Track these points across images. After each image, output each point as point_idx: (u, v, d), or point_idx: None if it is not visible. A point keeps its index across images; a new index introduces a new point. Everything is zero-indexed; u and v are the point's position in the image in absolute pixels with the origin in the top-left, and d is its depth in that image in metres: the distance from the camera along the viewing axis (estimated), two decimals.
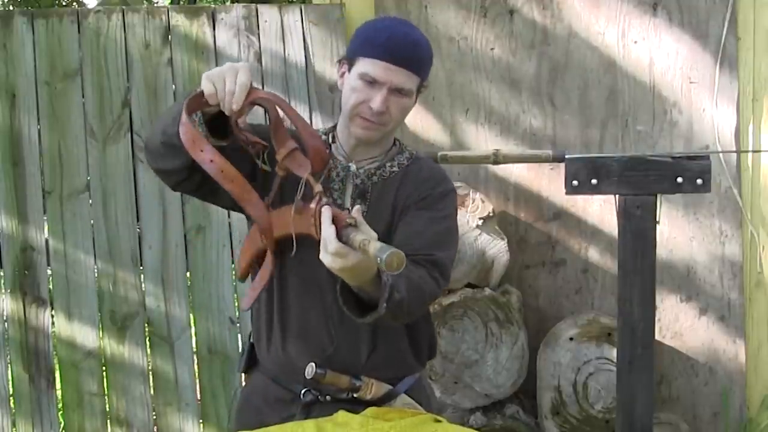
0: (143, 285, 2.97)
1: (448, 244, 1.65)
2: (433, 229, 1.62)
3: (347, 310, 1.45)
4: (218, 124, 1.48)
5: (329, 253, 1.32)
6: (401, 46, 1.57)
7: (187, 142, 1.40)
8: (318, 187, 1.40)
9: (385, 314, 1.42)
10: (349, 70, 1.62)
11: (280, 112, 1.52)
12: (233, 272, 3.01)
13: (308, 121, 1.47)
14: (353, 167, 1.67)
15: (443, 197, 1.68)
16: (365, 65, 1.58)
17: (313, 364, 1.59)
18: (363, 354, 1.65)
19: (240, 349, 2.78)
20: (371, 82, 1.57)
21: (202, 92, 1.40)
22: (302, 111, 2.98)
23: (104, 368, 2.97)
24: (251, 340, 1.78)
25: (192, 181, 1.56)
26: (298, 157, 1.48)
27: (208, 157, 1.39)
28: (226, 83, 1.39)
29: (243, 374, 1.84)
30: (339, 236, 1.32)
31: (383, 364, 1.66)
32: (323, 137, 1.71)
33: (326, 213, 1.34)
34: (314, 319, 1.63)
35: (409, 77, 1.59)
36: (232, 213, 2.77)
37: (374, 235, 1.33)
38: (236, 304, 3.04)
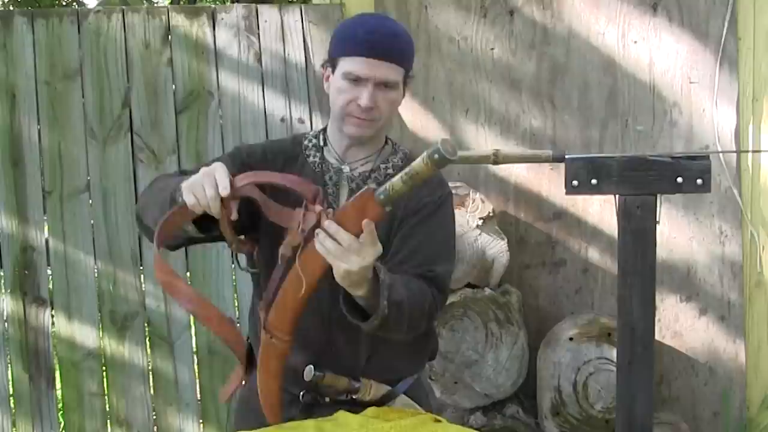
0: (143, 285, 2.97)
1: (447, 254, 1.66)
2: (432, 241, 1.63)
3: (353, 319, 1.46)
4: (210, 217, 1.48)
5: (367, 245, 1.34)
6: (380, 40, 1.57)
7: (155, 264, 1.48)
8: (317, 208, 1.41)
9: (388, 315, 1.42)
10: (333, 71, 1.62)
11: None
12: (233, 272, 3.01)
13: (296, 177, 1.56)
14: (346, 169, 1.67)
15: (441, 204, 1.67)
16: (347, 64, 1.58)
17: (312, 367, 1.59)
18: (362, 357, 1.64)
19: None
20: (356, 80, 1.58)
21: (185, 204, 1.42)
22: (302, 111, 2.99)
23: (104, 368, 2.97)
24: (249, 341, 1.78)
25: (190, 242, 1.62)
26: (298, 216, 1.46)
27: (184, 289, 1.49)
28: (205, 190, 1.39)
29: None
30: (372, 209, 1.33)
31: (382, 367, 1.66)
32: (313, 140, 1.72)
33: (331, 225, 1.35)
34: (312, 326, 1.62)
35: (392, 69, 1.58)
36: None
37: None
38: (236, 304, 3.04)
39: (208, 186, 1.39)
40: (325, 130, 1.74)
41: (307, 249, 1.39)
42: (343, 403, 1.63)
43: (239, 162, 1.66)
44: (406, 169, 1.30)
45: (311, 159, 1.69)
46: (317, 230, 1.36)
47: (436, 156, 1.25)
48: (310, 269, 1.40)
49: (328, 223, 1.35)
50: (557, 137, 3.01)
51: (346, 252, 1.34)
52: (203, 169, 1.43)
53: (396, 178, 1.31)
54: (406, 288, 1.50)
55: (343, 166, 1.67)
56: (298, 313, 1.46)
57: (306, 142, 1.72)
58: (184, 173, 1.66)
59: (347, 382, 1.62)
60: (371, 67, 1.56)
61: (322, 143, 1.71)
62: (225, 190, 1.38)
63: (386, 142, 1.73)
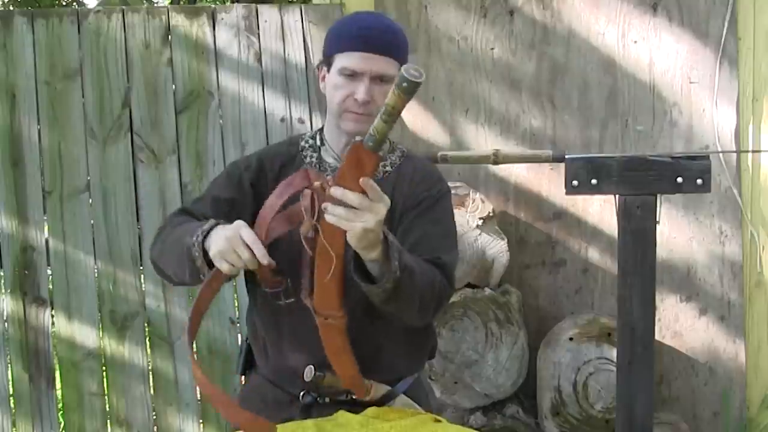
0: (143, 285, 2.97)
1: (450, 246, 1.66)
2: (433, 234, 1.63)
3: (362, 282, 1.44)
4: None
5: (376, 200, 1.33)
6: (374, 34, 1.58)
7: (198, 379, 1.51)
8: (315, 184, 1.41)
9: (401, 279, 1.41)
10: (329, 70, 1.63)
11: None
12: None
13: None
14: None
15: (439, 199, 1.68)
16: (343, 60, 1.59)
17: (312, 367, 1.59)
18: (362, 357, 1.64)
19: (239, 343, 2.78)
20: (351, 75, 1.58)
21: (219, 272, 1.42)
22: (302, 111, 2.99)
23: (104, 368, 2.97)
24: (247, 341, 1.78)
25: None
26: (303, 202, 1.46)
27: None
28: (239, 254, 1.39)
29: (242, 376, 1.84)
30: (367, 159, 1.33)
31: (382, 366, 1.66)
32: (310, 141, 1.72)
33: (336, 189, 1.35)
34: (312, 326, 1.62)
35: (388, 63, 1.59)
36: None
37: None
38: (236, 304, 3.04)
39: (241, 250, 1.39)
40: (321, 130, 1.74)
41: (323, 225, 1.39)
42: (343, 403, 1.64)
43: (237, 178, 1.67)
44: (382, 109, 1.30)
45: (308, 159, 1.69)
46: (323, 205, 1.35)
47: (405, 84, 1.25)
48: (334, 242, 1.40)
49: (333, 190, 1.34)
50: (557, 137, 3.01)
51: (359, 212, 1.32)
52: (225, 234, 1.41)
53: (377, 120, 1.31)
54: (416, 263, 1.50)
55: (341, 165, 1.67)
56: (340, 287, 1.46)
57: (302, 143, 1.73)
58: (185, 211, 1.66)
59: None
60: (367, 61, 1.57)
61: (319, 143, 1.71)
62: (265, 258, 1.39)
63: None
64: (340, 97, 1.61)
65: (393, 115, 1.30)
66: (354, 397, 1.63)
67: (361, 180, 1.32)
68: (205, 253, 1.45)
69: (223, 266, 1.40)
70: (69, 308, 2.92)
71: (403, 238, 1.61)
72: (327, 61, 1.64)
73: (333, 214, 1.34)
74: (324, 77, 1.66)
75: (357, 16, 1.67)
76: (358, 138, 1.34)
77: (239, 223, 1.42)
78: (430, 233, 1.62)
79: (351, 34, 1.59)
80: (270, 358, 1.69)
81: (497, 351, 2.76)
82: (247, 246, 1.38)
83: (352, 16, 1.68)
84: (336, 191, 1.33)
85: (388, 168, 1.69)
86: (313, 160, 1.69)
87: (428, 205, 1.66)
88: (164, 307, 2.95)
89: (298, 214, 1.46)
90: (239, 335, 2.98)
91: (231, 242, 1.39)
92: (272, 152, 1.73)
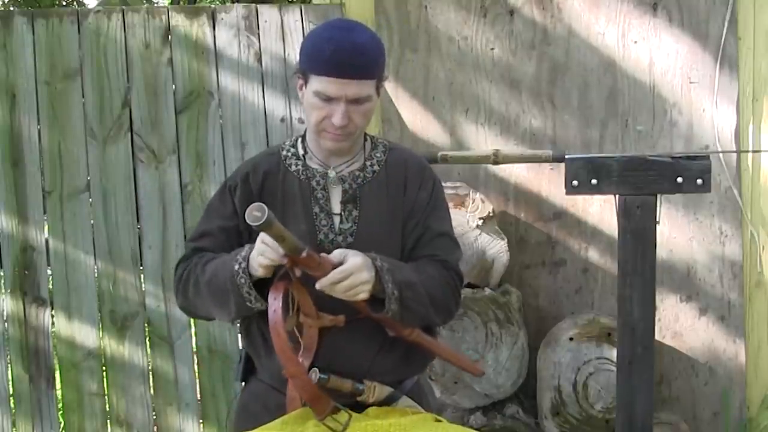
0: (143, 285, 2.97)
1: (452, 242, 1.74)
2: (436, 233, 1.70)
3: (377, 313, 1.57)
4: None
5: (356, 281, 1.50)
6: (348, 58, 1.54)
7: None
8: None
9: (402, 296, 1.54)
10: (305, 83, 1.61)
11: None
12: None
13: None
14: (332, 173, 1.68)
15: (434, 192, 1.73)
16: (317, 83, 1.57)
17: (317, 370, 1.59)
18: (366, 360, 1.64)
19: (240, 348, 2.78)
20: (327, 99, 1.57)
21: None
22: (302, 111, 2.98)
23: (104, 368, 2.97)
24: (246, 352, 1.78)
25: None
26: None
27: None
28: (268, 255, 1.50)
29: (242, 383, 1.83)
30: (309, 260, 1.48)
31: (386, 369, 1.67)
32: (291, 149, 1.73)
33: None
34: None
35: (362, 85, 1.57)
36: None
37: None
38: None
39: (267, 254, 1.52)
40: (303, 138, 1.74)
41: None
42: (347, 405, 1.63)
43: (231, 204, 1.70)
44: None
45: (293, 168, 1.70)
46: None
47: (256, 227, 1.37)
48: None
49: (319, 286, 1.51)
50: (557, 137, 3.01)
51: (351, 284, 1.50)
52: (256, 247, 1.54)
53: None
54: (417, 271, 1.58)
55: (329, 171, 1.69)
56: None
57: (284, 153, 1.73)
58: (199, 249, 1.72)
59: (351, 385, 1.62)
60: (341, 87, 1.55)
61: (302, 151, 1.72)
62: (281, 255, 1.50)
63: (365, 138, 1.74)
64: (317, 118, 1.60)
65: (280, 240, 1.42)
66: (358, 399, 1.63)
67: (318, 284, 1.49)
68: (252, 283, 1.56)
69: (263, 261, 1.51)
70: (69, 308, 2.92)
71: (409, 237, 1.69)
72: (303, 75, 1.61)
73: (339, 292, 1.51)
74: (302, 87, 1.64)
75: (329, 32, 1.59)
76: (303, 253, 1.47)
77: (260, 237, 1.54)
78: (433, 234, 1.69)
79: (323, 57, 1.55)
80: (270, 363, 1.68)
81: (497, 351, 2.76)
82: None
83: (324, 32, 1.61)
84: (323, 284, 1.50)
85: (377, 167, 1.70)
86: (299, 167, 1.70)
87: (425, 204, 1.71)
88: (164, 307, 2.95)
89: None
90: (239, 335, 2.97)
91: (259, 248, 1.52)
92: (254, 163, 1.74)
